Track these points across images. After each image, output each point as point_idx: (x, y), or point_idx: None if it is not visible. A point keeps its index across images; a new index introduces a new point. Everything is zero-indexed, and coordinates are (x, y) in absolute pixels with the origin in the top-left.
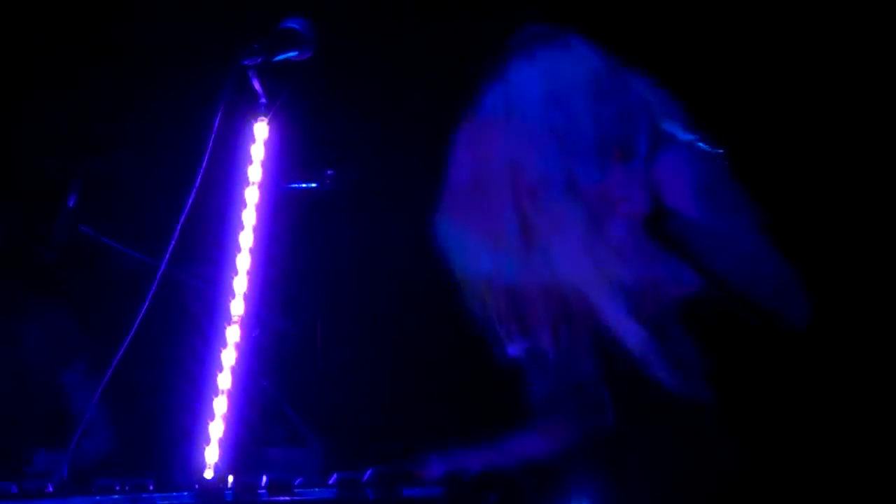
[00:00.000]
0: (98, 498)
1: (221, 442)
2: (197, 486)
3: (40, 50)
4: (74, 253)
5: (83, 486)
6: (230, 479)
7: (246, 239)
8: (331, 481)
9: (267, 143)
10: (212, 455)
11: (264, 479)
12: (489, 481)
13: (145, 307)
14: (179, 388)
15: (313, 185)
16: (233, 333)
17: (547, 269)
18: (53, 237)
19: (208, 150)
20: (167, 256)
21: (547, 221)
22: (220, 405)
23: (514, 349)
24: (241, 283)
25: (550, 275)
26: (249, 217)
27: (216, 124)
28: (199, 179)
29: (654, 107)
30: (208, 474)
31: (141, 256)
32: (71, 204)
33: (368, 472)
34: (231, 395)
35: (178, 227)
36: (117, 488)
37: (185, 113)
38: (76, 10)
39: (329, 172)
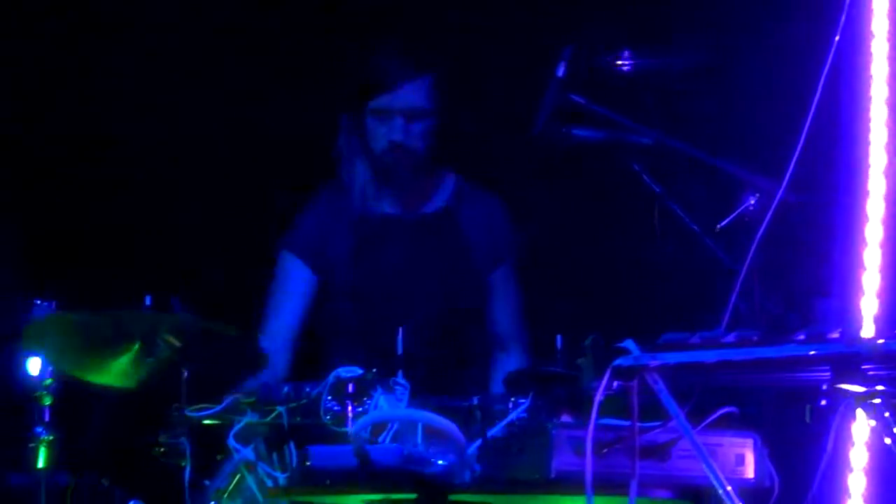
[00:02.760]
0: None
1: (879, 294)
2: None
3: None
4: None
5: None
6: None
7: (877, 111)
8: None
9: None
10: (869, 308)
11: None
12: None
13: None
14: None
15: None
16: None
17: None
18: (543, 107)
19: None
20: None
21: None
22: (872, 257)
23: None
24: (877, 157)
25: None
26: (879, 91)
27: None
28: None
29: None
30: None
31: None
32: (560, 74)
33: None
34: (884, 246)
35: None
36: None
37: None
38: None
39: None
